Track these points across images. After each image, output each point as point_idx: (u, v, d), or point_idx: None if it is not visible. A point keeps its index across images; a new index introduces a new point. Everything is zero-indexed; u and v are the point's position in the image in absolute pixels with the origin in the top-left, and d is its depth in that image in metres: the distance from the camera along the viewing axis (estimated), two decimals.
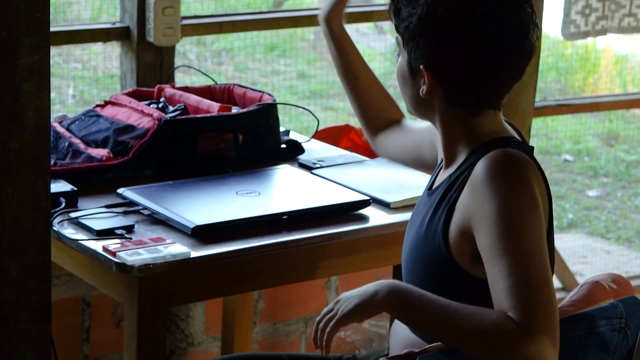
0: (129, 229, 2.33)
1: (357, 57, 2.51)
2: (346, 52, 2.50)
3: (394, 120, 2.51)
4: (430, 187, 2.12)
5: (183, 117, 2.72)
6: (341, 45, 2.50)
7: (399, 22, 2.03)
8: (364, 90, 2.51)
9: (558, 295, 4.09)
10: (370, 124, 2.53)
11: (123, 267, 2.18)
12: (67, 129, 2.78)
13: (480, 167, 1.92)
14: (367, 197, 2.52)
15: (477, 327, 1.80)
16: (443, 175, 2.09)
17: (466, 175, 1.97)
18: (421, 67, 1.99)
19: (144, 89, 3.00)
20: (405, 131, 2.47)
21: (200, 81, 4.91)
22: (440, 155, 2.13)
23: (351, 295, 1.93)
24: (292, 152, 2.87)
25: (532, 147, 2.04)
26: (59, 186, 2.44)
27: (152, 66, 3.22)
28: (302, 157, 2.86)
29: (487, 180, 1.89)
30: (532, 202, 1.87)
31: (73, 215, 2.38)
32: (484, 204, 1.88)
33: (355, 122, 5.55)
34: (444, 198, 2.00)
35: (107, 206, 2.43)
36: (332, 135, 3.34)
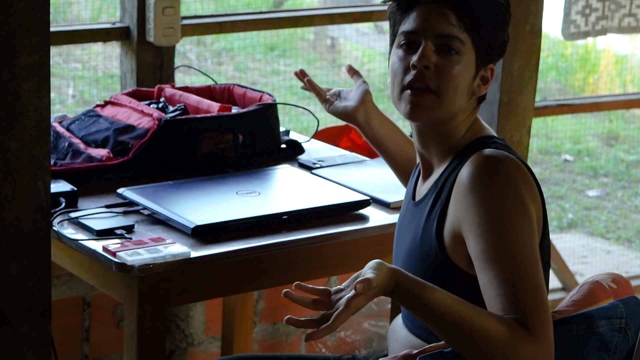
0: (129, 229, 2.33)
1: (389, 137, 2.43)
2: (376, 140, 2.43)
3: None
4: (414, 197, 2.11)
5: (183, 117, 2.73)
6: (369, 136, 2.43)
7: (476, 23, 1.99)
8: (399, 160, 2.45)
9: (558, 295, 4.11)
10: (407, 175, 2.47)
11: (123, 267, 2.18)
12: (67, 129, 2.78)
13: (465, 173, 1.91)
14: (367, 197, 2.52)
15: (488, 335, 1.76)
16: (427, 183, 2.07)
17: (453, 180, 1.96)
18: (490, 64, 2.03)
19: (144, 89, 3.00)
20: None
21: (200, 81, 4.91)
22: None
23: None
24: (292, 152, 2.87)
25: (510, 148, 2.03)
26: (59, 186, 2.44)
27: (152, 66, 3.22)
28: (302, 157, 2.86)
29: (473, 185, 1.89)
30: (519, 206, 1.87)
31: (73, 215, 2.38)
32: (472, 210, 1.88)
33: None
34: (434, 205, 2.00)
35: (107, 206, 2.44)
36: (332, 135, 3.34)
